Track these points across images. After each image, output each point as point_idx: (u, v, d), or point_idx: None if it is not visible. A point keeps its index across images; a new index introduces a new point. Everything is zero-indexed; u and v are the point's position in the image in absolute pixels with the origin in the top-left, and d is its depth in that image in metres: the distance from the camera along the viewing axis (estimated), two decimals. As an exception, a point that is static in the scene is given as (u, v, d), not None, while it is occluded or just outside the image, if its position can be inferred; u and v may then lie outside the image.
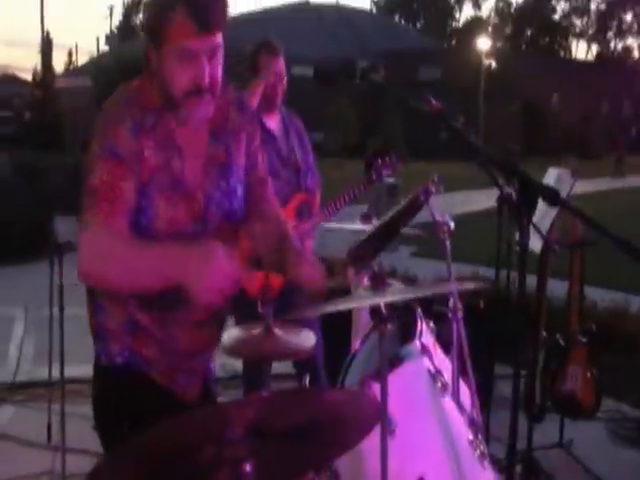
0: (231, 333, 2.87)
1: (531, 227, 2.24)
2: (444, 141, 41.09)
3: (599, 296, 8.02)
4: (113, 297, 2.67)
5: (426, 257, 12.07)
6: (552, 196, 1.92)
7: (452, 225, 3.58)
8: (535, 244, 4.62)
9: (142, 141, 2.53)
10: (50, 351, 5.28)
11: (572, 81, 59.12)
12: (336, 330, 4.14)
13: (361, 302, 2.77)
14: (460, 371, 3.35)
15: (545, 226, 4.68)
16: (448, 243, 3.54)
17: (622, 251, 1.86)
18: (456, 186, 19.75)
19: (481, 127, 43.96)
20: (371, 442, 2.33)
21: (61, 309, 4.98)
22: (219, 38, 2.51)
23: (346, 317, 3.83)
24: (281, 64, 4.57)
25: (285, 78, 4.54)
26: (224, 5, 2.51)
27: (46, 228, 11.43)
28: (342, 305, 2.75)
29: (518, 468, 4.57)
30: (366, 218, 4.10)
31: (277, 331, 2.71)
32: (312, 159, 4.76)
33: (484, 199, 16.07)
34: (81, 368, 5.32)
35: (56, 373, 5.10)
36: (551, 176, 5.14)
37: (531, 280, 3.55)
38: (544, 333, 5.24)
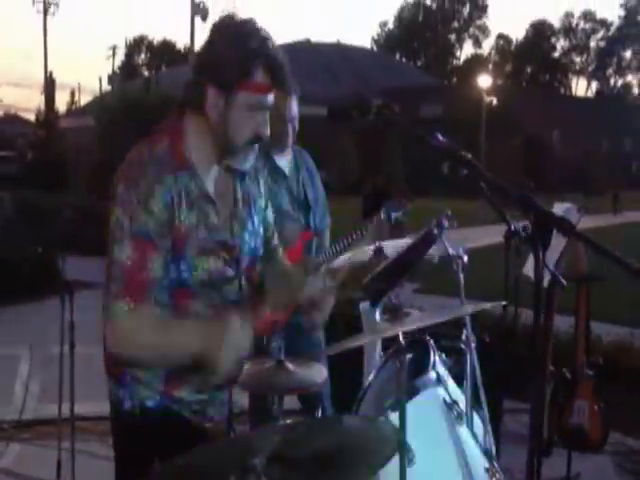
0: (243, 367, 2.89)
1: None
2: (444, 177, 41.26)
3: (604, 331, 8.02)
4: None
5: (429, 293, 12.09)
6: (567, 227, 1.95)
7: (466, 258, 3.60)
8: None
9: (174, 208, 2.55)
10: (60, 388, 5.28)
11: (572, 118, 59.44)
12: (345, 365, 4.14)
13: (385, 334, 2.80)
14: (473, 401, 3.36)
15: (552, 260, 4.70)
16: (462, 276, 3.55)
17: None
18: (458, 222, 19.66)
19: (482, 163, 44.07)
20: (390, 470, 2.35)
21: (72, 346, 4.98)
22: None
23: (356, 352, 3.84)
24: (291, 104, 4.46)
25: (297, 118, 4.46)
26: (289, 66, 2.63)
27: (51, 267, 11.45)
28: (361, 340, 2.78)
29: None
30: (378, 252, 4.12)
31: (288, 365, 2.73)
32: (323, 197, 4.74)
33: (486, 235, 16.12)
34: (88, 405, 5.35)
35: (64, 410, 5.10)
36: (557, 210, 5.15)
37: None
38: (551, 367, 5.25)
